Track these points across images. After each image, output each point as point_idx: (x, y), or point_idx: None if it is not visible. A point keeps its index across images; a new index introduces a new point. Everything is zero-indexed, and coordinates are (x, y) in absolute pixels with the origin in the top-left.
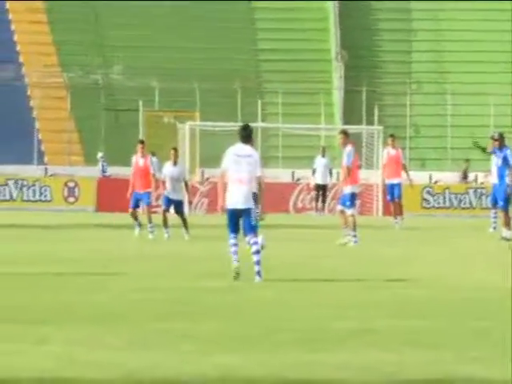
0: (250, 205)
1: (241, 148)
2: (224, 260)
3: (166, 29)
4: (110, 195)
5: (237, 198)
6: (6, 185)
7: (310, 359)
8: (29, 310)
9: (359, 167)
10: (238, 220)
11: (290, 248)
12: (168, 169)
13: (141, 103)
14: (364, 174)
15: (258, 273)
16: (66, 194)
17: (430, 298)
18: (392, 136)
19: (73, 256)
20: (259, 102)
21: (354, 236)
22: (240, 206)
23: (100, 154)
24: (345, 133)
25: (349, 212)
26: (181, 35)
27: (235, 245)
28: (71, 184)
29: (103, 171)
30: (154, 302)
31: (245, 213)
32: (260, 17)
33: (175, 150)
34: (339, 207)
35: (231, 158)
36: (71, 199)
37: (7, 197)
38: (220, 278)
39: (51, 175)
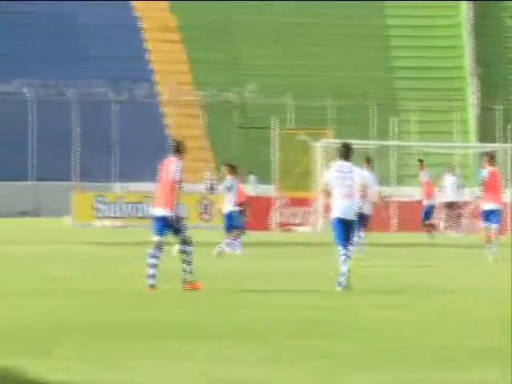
0: (354, 218)
1: (342, 165)
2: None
3: (300, 47)
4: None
5: (343, 209)
6: (143, 202)
7: (446, 378)
8: (170, 325)
9: (500, 186)
10: (345, 230)
11: (428, 267)
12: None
13: (274, 121)
14: None
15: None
16: (200, 211)
17: None
18: None
19: (213, 271)
20: (392, 119)
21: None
22: (348, 217)
23: (208, 174)
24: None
25: (491, 226)
26: (314, 53)
27: (345, 255)
28: (206, 201)
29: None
30: (287, 320)
31: (350, 224)
32: (394, 34)
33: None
34: (483, 224)
35: (334, 175)
36: (206, 216)
37: (145, 214)
38: (352, 296)
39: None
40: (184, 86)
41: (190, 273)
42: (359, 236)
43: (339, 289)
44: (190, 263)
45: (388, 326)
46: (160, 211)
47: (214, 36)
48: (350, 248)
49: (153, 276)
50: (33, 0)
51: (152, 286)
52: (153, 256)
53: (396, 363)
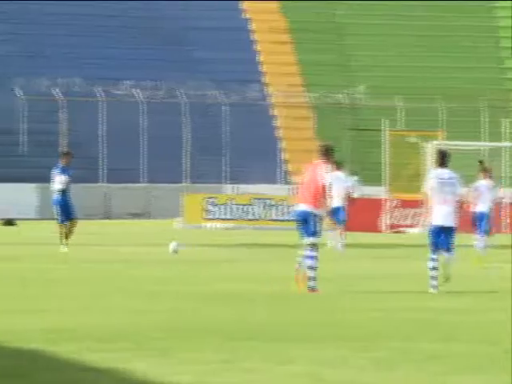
0: (453, 224)
1: (443, 172)
2: (470, 279)
3: (410, 49)
4: (356, 214)
5: (442, 215)
6: (252, 204)
7: None
8: (279, 328)
9: None
10: (440, 236)
11: None
12: None
13: (384, 123)
14: None
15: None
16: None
17: None
18: None
19: (321, 274)
20: (504, 120)
21: None
22: (446, 223)
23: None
24: None
25: None
26: (425, 55)
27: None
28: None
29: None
30: (399, 322)
31: (448, 230)
32: (504, 35)
33: None
34: None
35: (435, 181)
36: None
37: (254, 216)
38: (464, 298)
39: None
40: (294, 88)
41: (314, 279)
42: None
43: (433, 291)
44: (315, 269)
45: (504, 328)
46: (303, 206)
47: (324, 37)
48: (448, 254)
49: (314, 278)
50: (146, 0)
51: (313, 289)
52: (311, 257)
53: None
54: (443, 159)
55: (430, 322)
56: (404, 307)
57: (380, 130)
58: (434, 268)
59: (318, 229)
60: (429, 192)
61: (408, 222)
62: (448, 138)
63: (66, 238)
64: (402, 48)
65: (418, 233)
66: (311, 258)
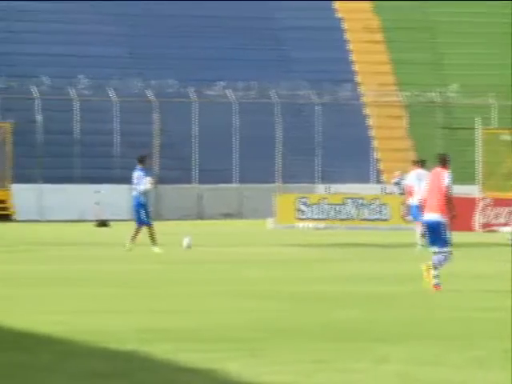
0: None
1: None
2: None
3: (502, 46)
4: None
5: None
6: (345, 204)
7: None
8: (369, 326)
9: None
10: None
11: None
12: None
13: (478, 121)
14: None
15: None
16: (403, 212)
17: None
18: None
19: (401, 274)
20: None
21: None
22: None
23: (397, 172)
24: None
25: None
26: None
27: None
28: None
29: (397, 184)
30: (491, 321)
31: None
32: None
33: None
34: None
35: None
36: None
37: (346, 215)
38: None
39: (388, 193)
40: (387, 87)
41: (438, 277)
42: None
43: None
44: (439, 267)
45: None
46: (431, 215)
47: (417, 36)
48: None
49: (437, 276)
50: (237, 0)
51: (436, 285)
52: (440, 258)
53: None
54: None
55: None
56: (494, 307)
57: (473, 129)
58: None
59: (448, 236)
60: None
61: (501, 220)
62: None
63: (153, 239)
64: (494, 45)
65: None
66: (439, 259)
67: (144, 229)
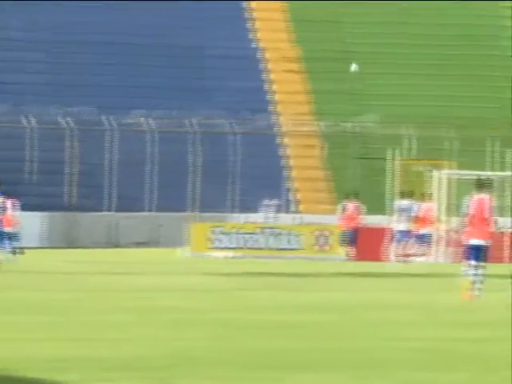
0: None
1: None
2: (483, 310)
3: (420, 77)
4: (366, 244)
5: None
6: (259, 233)
7: None
8: (286, 356)
9: None
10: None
11: None
12: None
13: (393, 151)
14: None
15: None
16: (318, 242)
17: None
18: None
19: (324, 303)
20: (510, 150)
21: None
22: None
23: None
24: None
25: None
26: (435, 84)
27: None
28: (325, 232)
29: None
30: (406, 351)
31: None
32: None
33: None
34: None
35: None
36: (325, 247)
37: (261, 245)
38: (476, 329)
39: (303, 224)
40: (304, 117)
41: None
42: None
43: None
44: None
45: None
46: (476, 241)
47: (335, 66)
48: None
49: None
50: (159, 27)
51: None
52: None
53: None
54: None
55: (441, 351)
56: (411, 337)
57: (386, 159)
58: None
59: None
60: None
61: (415, 251)
62: (459, 167)
63: None
64: (413, 76)
65: (425, 262)
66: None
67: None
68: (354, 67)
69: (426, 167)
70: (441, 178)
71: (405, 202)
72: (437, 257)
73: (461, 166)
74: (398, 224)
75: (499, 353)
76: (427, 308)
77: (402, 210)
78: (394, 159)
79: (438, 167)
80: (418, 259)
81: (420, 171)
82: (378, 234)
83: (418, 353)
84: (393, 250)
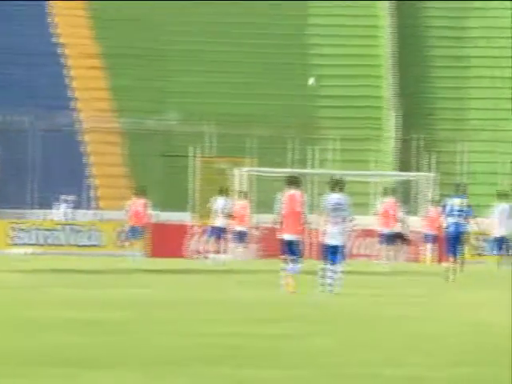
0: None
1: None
2: (277, 306)
3: (225, 75)
4: (163, 240)
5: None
6: (60, 230)
7: None
8: (79, 353)
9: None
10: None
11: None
12: None
13: (194, 149)
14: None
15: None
16: (119, 238)
17: None
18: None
19: (122, 300)
20: (312, 148)
21: None
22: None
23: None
24: None
25: None
26: (238, 82)
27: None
28: (126, 229)
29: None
30: (201, 348)
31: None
32: (316, 63)
33: None
34: None
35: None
36: (125, 243)
37: (61, 241)
38: (273, 324)
39: (103, 220)
40: (106, 113)
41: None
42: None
43: None
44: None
45: (314, 353)
46: (289, 236)
47: (138, 63)
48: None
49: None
50: None
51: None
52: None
53: None
54: (334, 186)
55: (236, 347)
56: (210, 333)
57: (188, 156)
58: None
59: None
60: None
61: (215, 247)
62: (258, 165)
63: None
64: (216, 74)
65: (226, 259)
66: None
67: None
68: (311, 81)
69: (227, 165)
70: (242, 175)
71: (220, 200)
72: (236, 253)
73: (262, 164)
74: (214, 220)
75: (295, 349)
76: (224, 304)
77: (217, 208)
78: (195, 156)
79: (239, 165)
80: (219, 256)
81: (222, 168)
82: (179, 230)
83: (213, 348)
84: (194, 246)
